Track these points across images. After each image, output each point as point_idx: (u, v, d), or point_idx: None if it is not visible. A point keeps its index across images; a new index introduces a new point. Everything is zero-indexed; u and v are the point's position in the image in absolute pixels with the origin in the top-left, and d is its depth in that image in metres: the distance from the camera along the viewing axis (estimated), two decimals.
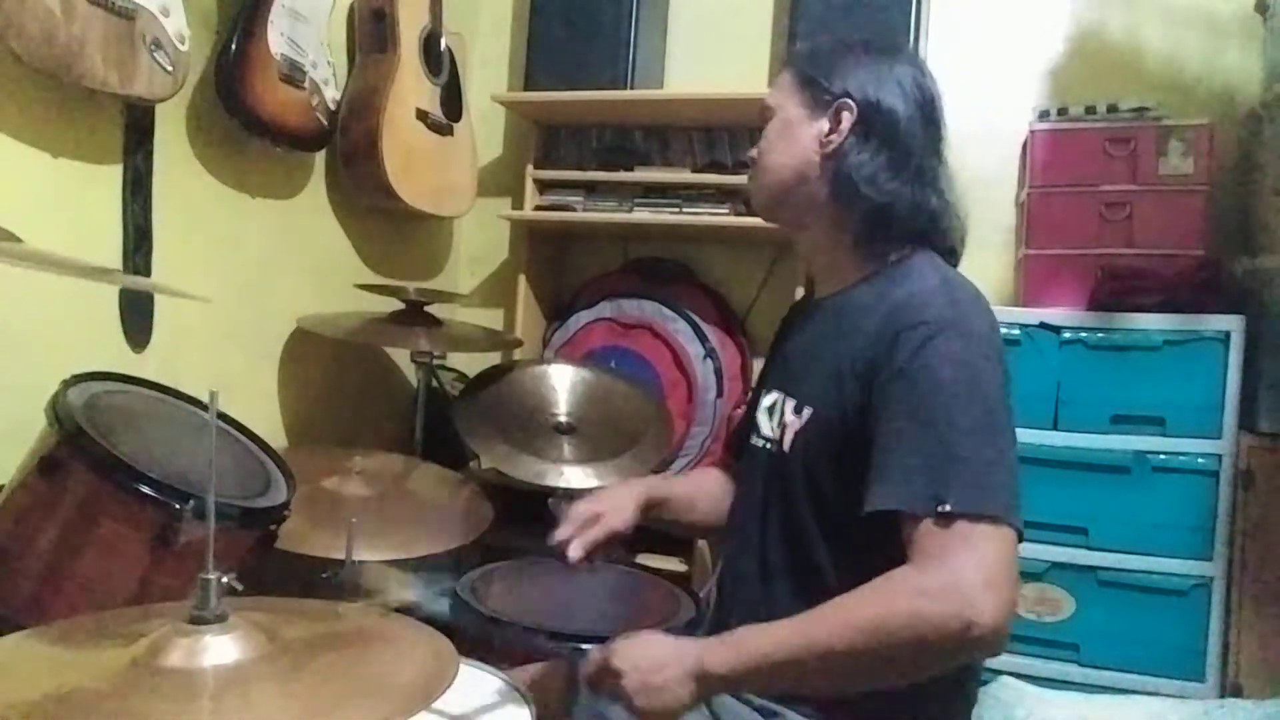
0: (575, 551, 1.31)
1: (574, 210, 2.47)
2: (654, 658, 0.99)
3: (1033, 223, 2.15)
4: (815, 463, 1.11)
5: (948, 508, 0.93)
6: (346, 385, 2.26)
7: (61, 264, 1.10)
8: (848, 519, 1.07)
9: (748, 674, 0.96)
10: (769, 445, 1.20)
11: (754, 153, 1.24)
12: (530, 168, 2.52)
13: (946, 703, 1.12)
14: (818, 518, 1.11)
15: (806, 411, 1.14)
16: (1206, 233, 2.03)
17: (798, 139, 1.17)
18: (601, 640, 1.35)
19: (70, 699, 0.74)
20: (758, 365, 2.44)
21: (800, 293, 2.42)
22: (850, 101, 1.14)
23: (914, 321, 1.02)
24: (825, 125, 1.15)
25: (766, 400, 1.24)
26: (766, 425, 1.22)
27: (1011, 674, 1.86)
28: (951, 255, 1.19)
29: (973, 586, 0.89)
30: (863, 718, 1.04)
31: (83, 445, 1.15)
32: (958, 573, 0.90)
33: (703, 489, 1.44)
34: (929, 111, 1.17)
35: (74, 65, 1.37)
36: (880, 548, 1.01)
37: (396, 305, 2.06)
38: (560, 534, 1.32)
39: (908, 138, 1.14)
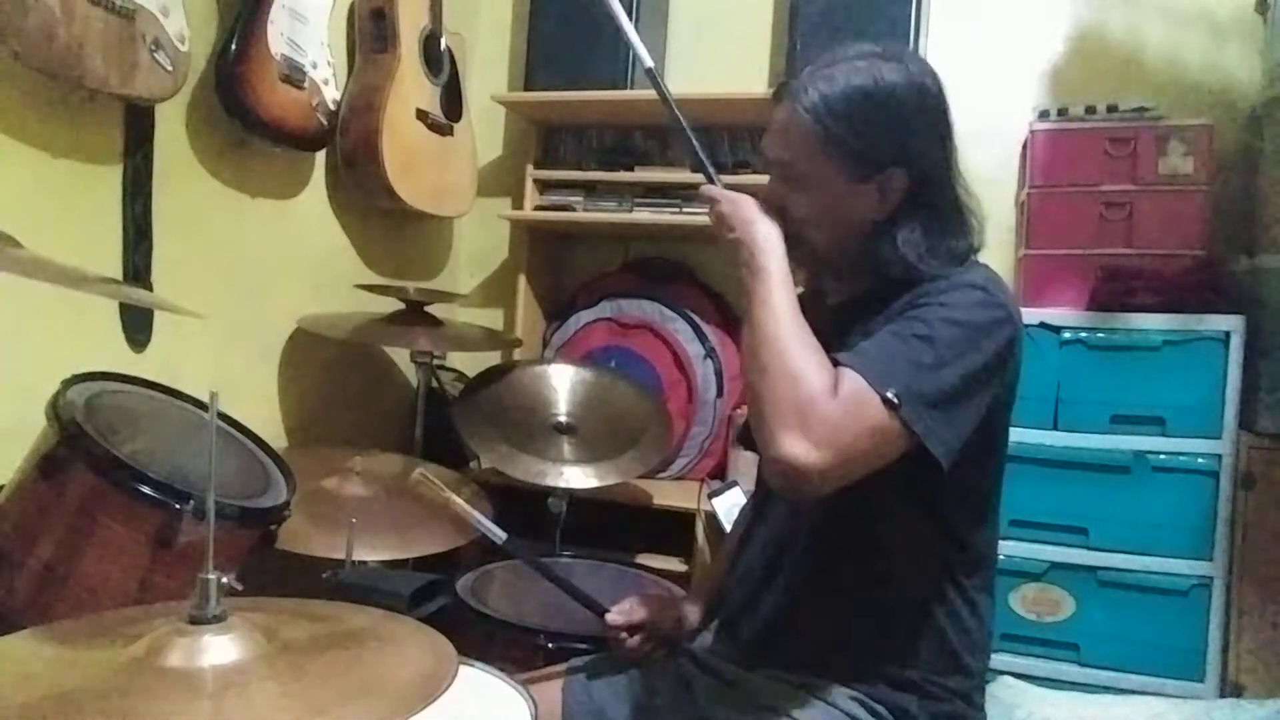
0: (613, 616, 1.33)
1: (574, 210, 2.47)
2: (746, 213, 1.13)
3: (1033, 223, 2.15)
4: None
5: (890, 394, 0.96)
6: (346, 385, 2.26)
7: (59, 274, 1.10)
8: (873, 518, 1.09)
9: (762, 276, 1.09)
10: None
11: (778, 203, 1.14)
12: (530, 168, 2.52)
13: (965, 685, 1.14)
14: (842, 520, 1.11)
15: None
16: (1206, 233, 2.03)
17: (849, 211, 1.11)
18: (600, 642, 1.36)
19: (70, 699, 0.74)
20: None
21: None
22: (901, 172, 1.08)
23: (941, 276, 1.07)
24: (875, 192, 1.09)
25: None
26: None
27: (1011, 674, 1.86)
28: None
29: (834, 440, 0.95)
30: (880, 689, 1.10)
31: (83, 445, 1.15)
32: (842, 429, 0.95)
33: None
34: (948, 134, 1.12)
35: (74, 65, 1.37)
36: (904, 547, 1.06)
37: (396, 305, 2.06)
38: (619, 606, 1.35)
39: (947, 187, 1.12)
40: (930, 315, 1.02)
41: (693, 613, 1.38)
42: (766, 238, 1.09)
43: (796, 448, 0.94)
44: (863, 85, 1.07)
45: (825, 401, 0.95)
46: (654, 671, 1.28)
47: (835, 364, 1.00)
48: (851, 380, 0.97)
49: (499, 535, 1.30)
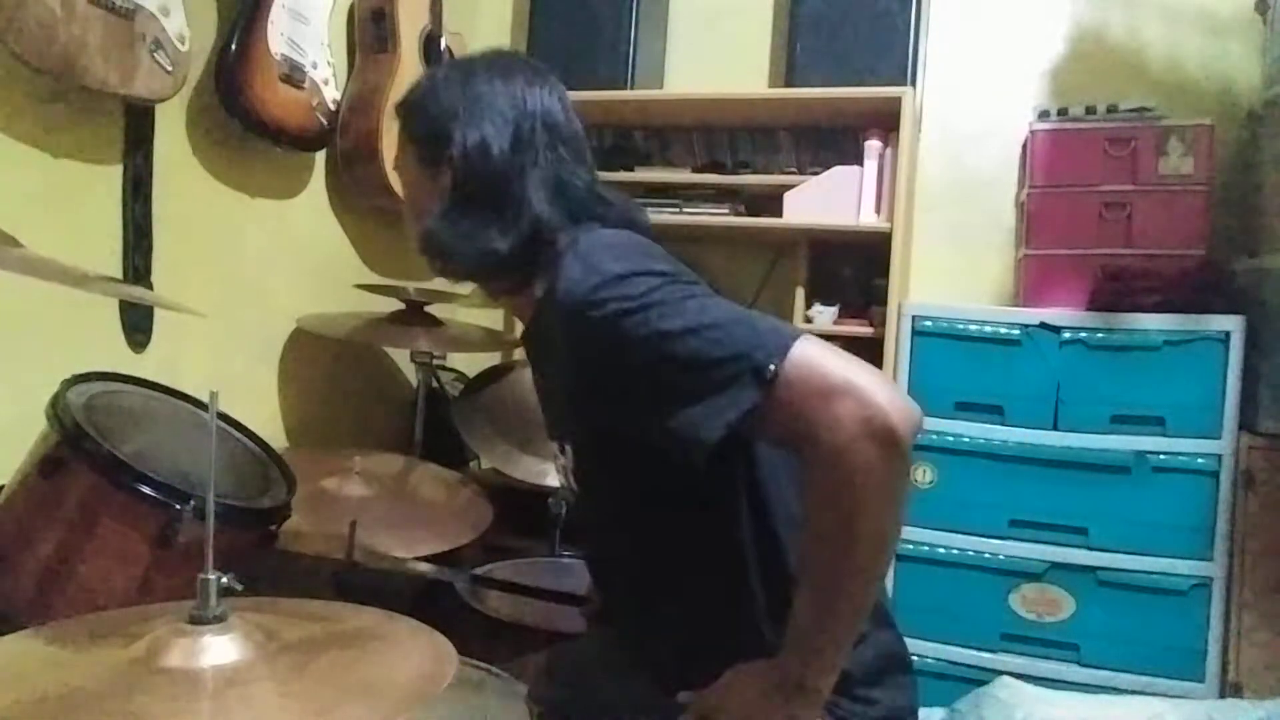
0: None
1: None
2: (751, 698, 0.95)
3: (1033, 223, 2.15)
4: (604, 489, 1.10)
5: (768, 373, 0.85)
6: (346, 385, 2.25)
7: (60, 273, 1.10)
8: (658, 527, 1.06)
9: (828, 662, 0.92)
10: (569, 494, 1.19)
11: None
12: None
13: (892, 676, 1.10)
14: (633, 539, 1.10)
15: (569, 449, 1.13)
16: (1206, 233, 2.03)
17: (429, 203, 1.10)
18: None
19: (70, 699, 0.74)
20: None
21: (800, 294, 2.42)
22: (451, 158, 1.07)
23: (566, 312, 0.95)
24: (446, 183, 1.09)
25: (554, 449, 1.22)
26: (560, 475, 1.21)
27: (1011, 674, 1.86)
28: (632, 225, 1.11)
29: (852, 413, 0.82)
30: None
31: (83, 445, 1.15)
32: (830, 417, 0.83)
33: None
34: (524, 132, 1.09)
35: (74, 65, 1.37)
36: (693, 540, 1.03)
37: (396, 305, 2.06)
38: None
39: (494, 180, 1.07)
40: (626, 341, 0.92)
41: None
42: (776, 682, 0.94)
43: (893, 438, 0.82)
44: (439, 82, 1.12)
45: (823, 453, 0.84)
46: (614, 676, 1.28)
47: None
48: (769, 420, 0.86)
49: None
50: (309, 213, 2.11)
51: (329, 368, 2.18)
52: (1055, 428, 1.99)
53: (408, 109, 1.13)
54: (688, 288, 0.95)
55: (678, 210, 2.38)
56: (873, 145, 2.26)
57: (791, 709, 0.93)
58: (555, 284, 0.98)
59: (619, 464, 1.04)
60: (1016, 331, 2.02)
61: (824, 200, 2.27)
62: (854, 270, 2.41)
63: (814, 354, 0.86)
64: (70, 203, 1.54)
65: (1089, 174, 2.09)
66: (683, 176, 2.44)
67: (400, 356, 2.41)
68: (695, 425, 0.88)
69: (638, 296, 0.92)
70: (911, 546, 2.06)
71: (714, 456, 0.89)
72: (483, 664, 1.23)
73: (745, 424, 0.87)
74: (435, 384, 2.19)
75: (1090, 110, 2.13)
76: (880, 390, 0.83)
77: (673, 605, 1.08)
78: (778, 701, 0.93)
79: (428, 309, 2.05)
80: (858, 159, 2.27)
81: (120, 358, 1.62)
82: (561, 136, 1.11)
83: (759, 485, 1.03)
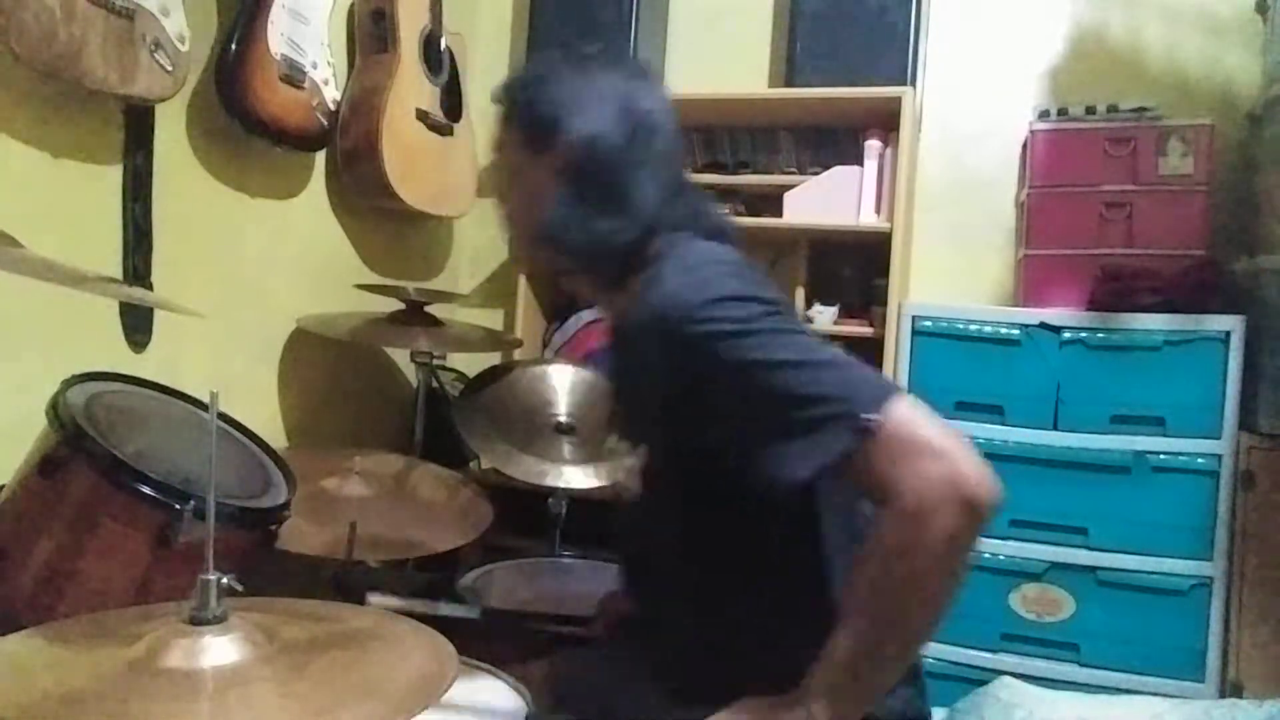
0: None
1: None
2: None
3: (1033, 223, 2.15)
4: (671, 496, 1.09)
5: (868, 421, 0.87)
6: (346, 385, 2.25)
7: (60, 273, 1.10)
8: (718, 544, 1.06)
9: (850, 703, 0.92)
10: (626, 492, 1.20)
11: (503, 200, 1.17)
12: None
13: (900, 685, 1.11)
14: (688, 550, 1.09)
15: (641, 451, 1.13)
16: (1206, 233, 2.03)
17: (539, 194, 1.10)
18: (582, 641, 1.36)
19: (70, 699, 0.74)
20: None
21: (800, 294, 2.42)
22: (568, 145, 1.07)
23: (668, 324, 0.96)
24: (548, 171, 1.08)
25: (616, 445, 1.24)
26: (620, 472, 1.23)
27: (1011, 674, 1.86)
28: (723, 235, 1.12)
29: (942, 477, 0.85)
30: None
31: (83, 445, 1.15)
32: (920, 480, 0.85)
33: None
34: (638, 128, 1.10)
35: (74, 65, 1.37)
36: (750, 563, 1.03)
37: (396, 305, 2.06)
38: None
39: (613, 170, 1.08)
40: (737, 378, 0.93)
41: None
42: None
43: (974, 507, 0.85)
44: (549, 76, 1.11)
45: (906, 512, 0.86)
46: (618, 681, 1.28)
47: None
48: (861, 469, 0.88)
49: None
50: (309, 213, 2.11)
51: (329, 368, 2.18)
52: (1055, 428, 1.99)
53: (516, 94, 1.12)
54: (791, 321, 0.97)
55: None
56: (873, 145, 2.26)
57: None
58: (655, 289, 0.99)
59: (692, 474, 1.04)
60: (1016, 331, 2.02)
61: (824, 200, 2.27)
62: (854, 270, 2.41)
63: (913, 414, 0.88)
64: (70, 203, 1.54)
65: (1089, 174, 2.09)
66: None
67: (400, 356, 2.41)
68: (785, 462, 0.90)
69: (744, 320, 0.93)
70: None
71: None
72: (483, 664, 1.23)
73: (835, 469, 0.89)
74: (435, 384, 2.19)
75: (1090, 110, 2.13)
76: (972, 460, 0.86)
77: (711, 617, 1.08)
78: None
79: (428, 309, 2.05)
80: (858, 159, 2.27)
81: (120, 358, 1.62)
82: (666, 138, 1.12)
83: (818, 514, 1.05)
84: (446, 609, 1.17)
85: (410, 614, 1.09)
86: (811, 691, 0.92)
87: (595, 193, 1.06)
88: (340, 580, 1.43)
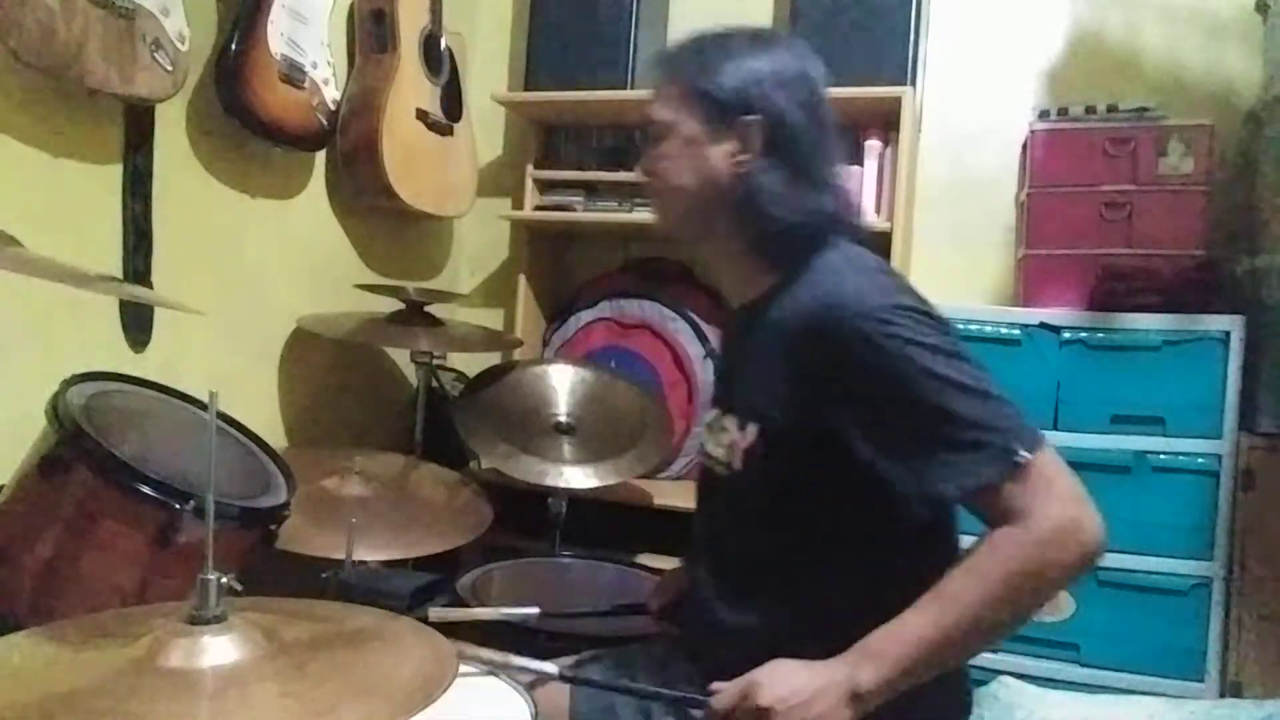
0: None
1: (574, 210, 2.47)
2: (802, 689, 0.96)
3: (1033, 223, 2.15)
4: (776, 479, 1.10)
5: (1018, 460, 0.95)
6: (346, 385, 2.25)
7: (60, 273, 1.10)
8: (815, 530, 1.07)
9: (899, 677, 0.96)
10: (719, 465, 1.18)
11: (647, 168, 1.20)
12: (530, 168, 2.52)
13: (948, 697, 1.12)
14: (778, 533, 1.10)
15: (752, 428, 1.11)
16: (1206, 233, 2.03)
17: (705, 157, 1.13)
18: (601, 641, 1.36)
19: (70, 699, 0.74)
20: None
21: None
22: (758, 119, 1.10)
23: (854, 325, 1.00)
24: (733, 144, 1.12)
25: (708, 417, 1.23)
26: (712, 443, 1.21)
27: (1011, 674, 1.86)
28: (856, 234, 1.17)
29: (1072, 519, 0.94)
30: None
31: (83, 445, 1.15)
32: (1054, 514, 0.94)
33: None
34: (817, 106, 1.13)
35: (74, 65, 1.37)
36: (851, 553, 1.03)
37: (396, 305, 2.06)
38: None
39: (806, 146, 1.12)
40: (907, 385, 0.98)
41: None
42: (832, 682, 0.97)
43: (1087, 552, 0.95)
44: (719, 38, 1.14)
45: (1032, 534, 0.94)
46: (653, 668, 1.28)
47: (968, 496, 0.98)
48: (1005, 493, 0.95)
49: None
50: (309, 213, 2.12)
51: (329, 368, 2.18)
52: (1055, 428, 1.99)
53: (693, 71, 1.13)
54: (960, 344, 1.02)
55: None
56: (873, 145, 2.26)
57: (838, 709, 0.95)
58: (833, 281, 1.05)
59: (805, 459, 1.06)
60: (1016, 331, 2.02)
61: None
62: None
63: (1056, 462, 0.98)
64: (70, 203, 1.54)
65: (1089, 174, 2.08)
66: None
67: (400, 356, 2.41)
68: (934, 477, 0.97)
69: (922, 333, 0.99)
70: None
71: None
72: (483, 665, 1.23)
73: (977, 493, 0.96)
74: (435, 384, 2.20)
75: (1090, 110, 2.12)
76: (1097, 515, 0.96)
77: (783, 608, 1.10)
78: (831, 697, 0.95)
79: (428, 309, 2.05)
80: (858, 159, 2.27)
81: (120, 358, 1.62)
82: (833, 120, 1.16)
83: (934, 522, 1.09)
84: (521, 661, 1.16)
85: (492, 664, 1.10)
86: (866, 653, 0.96)
87: (793, 168, 1.10)
88: (340, 580, 1.43)
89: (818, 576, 1.08)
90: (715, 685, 1.03)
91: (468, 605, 1.55)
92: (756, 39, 1.15)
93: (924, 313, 1.01)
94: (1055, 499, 0.95)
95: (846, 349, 1.00)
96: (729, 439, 1.15)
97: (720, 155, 1.12)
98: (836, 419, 1.02)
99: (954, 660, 1.00)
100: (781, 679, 0.97)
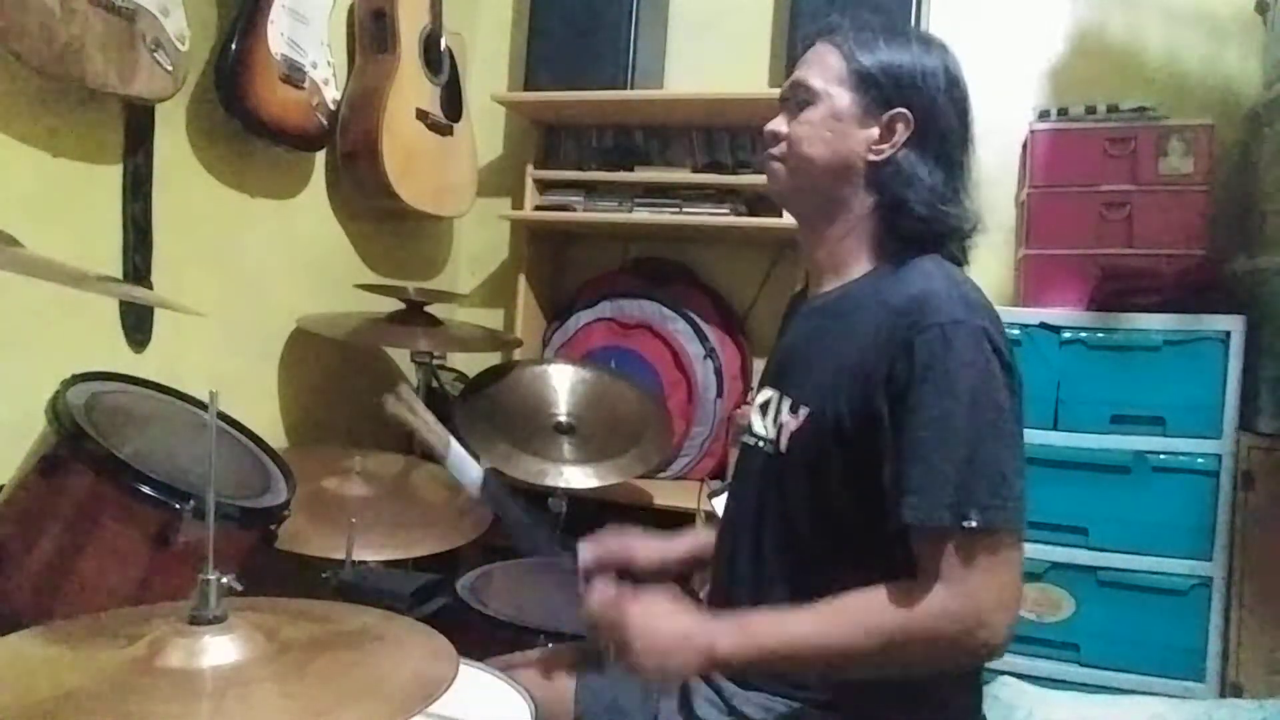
0: (585, 552, 1.32)
1: (574, 210, 2.47)
2: (668, 630, 1.01)
3: (1033, 222, 2.15)
4: (816, 464, 1.10)
5: (972, 524, 0.94)
6: (346, 385, 2.25)
7: (60, 273, 1.10)
8: (848, 521, 1.07)
9: (755, 662, 1.00)
10: (765, 445, 1.18)
11: (780, 129, 1.18)
12: (530, 168, 2.52)
13: (958, 695, 1.12)
14: (816, 520, 1.10)
15: (804, 411, 1.11)
16: (1206, 233, 2.03)
17: (846, 136, 1.13)
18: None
19: (70, 699, 0.74)
20: (758, 365, 2.45)
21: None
22: (908, 114, 1.10)
23: (927, 324, 1.01)
24: (877, 131, 1.12)
25: (760, 398, 1.23)
26: (760, 424, 1.20)
27: (1011, 674, 1.86)
28: (961, 256, 1.18)
29: (992, 610, 0.94)
30: (874, 708, 1.05)
31: (83, 445, 1.15)
32: (978, 597, 0.94)
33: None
34: (966, 115, 1.15)
35: (74, 65, 1.37)
36: (881, 551, 1.02)
37: (396, 305, 2.06)
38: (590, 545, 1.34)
39: (954, 150, 1.13)
40: (944, 406, 0.98)
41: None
42: (694, 633, 1.01)
43: (982, 649, 0.95)
44: (892, 28, 1.16)
45: (945, 601, 0.94)
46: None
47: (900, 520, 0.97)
48: (949, 549, 0.95)
49: (475, 476, 1.25)
50: (309, 213, 2.12)
51: (329, 368, 2.18)
52: (1055, 428, 1.99)
53: (864, 46, 1.14)
54: (1015, 397, 1.02)
55: (678, 210, 2.38)
56: None
57: (694, 662, 0.99)
58: (929, 286, 1.05)
59: (853, 450, 1.06)
60: (1016, 331, 2.01)
61: None
62: None
63: (1015, 563, 0.96)
64: (70, 203, 1.54)
65: (1089, 174, 2.08)
66: (683, 176, 2.44)
67: (400, 356, 2.41)
68: (909, 487, 0.97)
69: (986, 363, 1.00)
70: None
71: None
72: (483, 664, 1.23)
73: (923, 530, 0.96)
74: (435, 384, 2.20)
75: (1090, 110, 2.12)
76: (1009, 631, 0.95)
77: (814, 594, 1.07)
78: (689, 651, 0.99)
79: (428, 309, 2.05)
80: None
81: (120, 358, 1.62)
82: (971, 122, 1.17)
83: None
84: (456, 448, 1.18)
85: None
86: (743, 628, 0.99)
87: (940, 168, 1.11)
88: (340, 580, 1.43)
89: (852, 564, 1.07)
90: (598, 588, 1.09)
91: (468, 605, 1.55)
92: (923, 38, 1.17)
93: (997, 349, 1.02)
94: (985, 587, 0.94)
95: (917, 343, 1.00)
96: (779, 420, 1.15)
97: (862, 139, 1.12)
98: (879, 405, 1.03)
99: (810, 672, 1.03)
100: (655, 613, 1.02)
